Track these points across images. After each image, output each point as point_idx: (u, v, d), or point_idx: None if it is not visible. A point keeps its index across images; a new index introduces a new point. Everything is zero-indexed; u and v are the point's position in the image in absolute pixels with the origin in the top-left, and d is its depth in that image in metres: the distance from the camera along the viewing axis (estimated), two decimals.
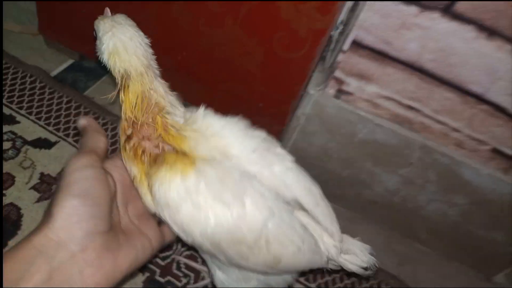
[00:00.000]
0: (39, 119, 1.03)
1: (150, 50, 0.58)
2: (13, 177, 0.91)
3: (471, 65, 0.75)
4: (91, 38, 0.62)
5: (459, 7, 0.70)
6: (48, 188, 0.91)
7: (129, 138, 0.56)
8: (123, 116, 0.57)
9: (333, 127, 0.93)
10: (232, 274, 0.63)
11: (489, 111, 0.80)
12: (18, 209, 0.86)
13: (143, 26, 1.00)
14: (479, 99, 0.79)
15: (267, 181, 0.56)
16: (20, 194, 0.88)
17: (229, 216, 0.51)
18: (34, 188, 0.90)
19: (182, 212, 0.52)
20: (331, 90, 0.90)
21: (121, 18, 0.57)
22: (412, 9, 0.73)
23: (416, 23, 0.74)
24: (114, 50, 0.55)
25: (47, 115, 1.04)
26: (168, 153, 0.54)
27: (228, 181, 0.52)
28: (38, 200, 0.89)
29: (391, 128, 0.88)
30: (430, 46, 0.76)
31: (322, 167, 1.02)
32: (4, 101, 1.03)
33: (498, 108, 0.79)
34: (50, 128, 1.02)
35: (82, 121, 0.55)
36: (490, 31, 0.71)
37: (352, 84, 0.87)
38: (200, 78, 1.08)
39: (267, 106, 1.04)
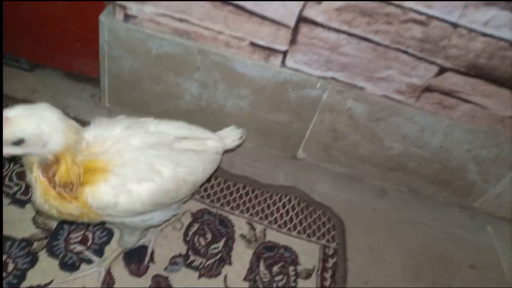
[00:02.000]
0: None
1: None
2: None
3: None
4: None
5: None
6: None
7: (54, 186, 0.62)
8: (43, 181, 0.61)
9: (131, 48, 1.06)
10: (135, 232, 0.82)
11: (233, 11, 0.97)
12: None
13: None
14: (223, 1, 0.95)
15: (153, 140, 0.72)
16: None
17: (154, 185, 0.69)
18: None
19: (120, 203, 0.66)
20: (119, 16, 1.02)
21: (32, 109, 0.57)
22: None
23: None
24: (65, 135, 0.58)
25: None
26: (84, 176, 0.63)
27: (137, 165, 0.68)
28: None
29: (173, 40, 1.03)
30: None
31: (140, 88, 1.15)
32: None
33: (238, 7, 0.96)
34: None
35: None
36: None
37: (133, 8, 1.00)
38: (23, 31, 1.14)
39: (84, 46, 1.14)
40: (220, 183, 1.11)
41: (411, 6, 0.90)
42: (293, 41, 1.00)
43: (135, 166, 0.68)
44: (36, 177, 0.61)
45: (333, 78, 1.06)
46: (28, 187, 0.94)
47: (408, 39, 0.96)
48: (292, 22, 0.97)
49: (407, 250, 1.12)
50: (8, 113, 0.55)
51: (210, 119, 1.19)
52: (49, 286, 0.81)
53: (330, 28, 0.96)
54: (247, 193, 1.11)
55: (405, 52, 0.98)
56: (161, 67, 1.08)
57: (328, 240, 1.06)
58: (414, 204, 1.26)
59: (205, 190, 1.08)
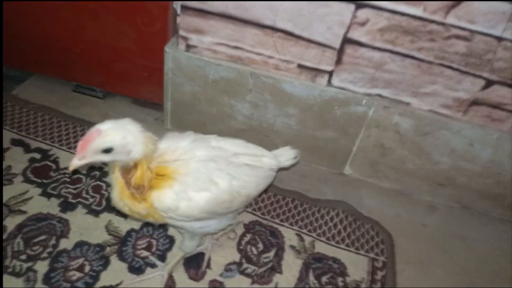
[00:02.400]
0: None
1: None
2: None
3: (258, 5, 1.00)
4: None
5: None
6: None
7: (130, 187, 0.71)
8: (123, 183, 0.70)
9: (191, 75, 1.16)
10: (195, 237, 0.88)
11: (282, 36, 1.04)
12: None
13: (46, 34, 1.16)
14: (273, 29, 1.03)
15: (214, 154, 0.79)
16: None
17: (211, 195, 0.75)
18: None
19: (181, 207, 0.73)
20: (181, 46, 1.12)
21: (119, 123, 0.67)
22: None
23: None
24: (145, 145, 0.67)
25: None
26: (154, 181, 0.72)
27: (198, 175, 0.75)
28: None
29: (228, 66, 1.11)
30: None
31: (197, 110, 1.24)
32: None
33: (287, 33, 1.03)
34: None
35: None
36: None
37: (193, 39, 1.10)
38: (98, 63, 1.28)
39: (150, 75, 1.26)
40: (270, 197, 1.15)
41: (453, 22, 0.92)
42: (338, 61, 1.05)
43: (197, 176, 0.75)
44: (116, 178, 0.69)
45: (379, 95, 1.09)
46: (101, 199, 1.04)
47: (452, 54, 0.97)
48: (337, 44, 1.02)
49: (460, 266, 1.08)
50: (100, 126, 0.64)
51: (260, 138, 1.25)
52: (119, 287, 0.88)
53: (374, 48, 1.00)
54: (296, 207, 1.14)
55: (449, 67, 0.99)
56: (217, 91, 1.17)
57: (376, 253, 1.06)
58: (466, 220, 1.22)
59: (256, 203, 1.13)
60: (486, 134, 1.08)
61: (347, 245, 1.07)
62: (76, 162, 0.64)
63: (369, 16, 0.96)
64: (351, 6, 0.95)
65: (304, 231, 1.08)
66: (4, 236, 0.92)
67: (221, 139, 0.85)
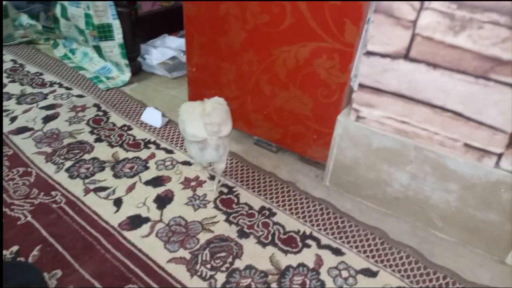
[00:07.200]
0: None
1: None
2: (170, 178, 1.46)
3: (430, 87, 1.11)
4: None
5: (412, 54, 1.10)
6: (188, 184, 1.44)
7: None
8: None
9: (357, 142, 1.31)
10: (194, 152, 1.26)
11: (452, 116, 1.12)
12: (172, 192, 1.39)
13: (244, 97, 1.54)
14: (443, 109, 1.12)
15: (206, 109, 1.21)
16: (173, 186, 1.42)
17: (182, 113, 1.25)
18: (181, 183, 1.44)
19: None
20: (352, 117, 1.30)
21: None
22: (387, 60, 1.15)
23: (391, 68, 1.15)
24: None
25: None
26: None
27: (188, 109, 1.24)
28: (183, 188, 1.41)
29: (393, 137, 1.23)
30: (403, 80, 1.15)
31: (356, 173, 1.37)
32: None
33: (457, 113, 1.11)
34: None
35: None
36: (434, 65, 1.08)
37: (364, 111, 1.27)
38: (278, 124, 1.56)
39: (319, 138, 1.47)
40: (420, 268, 1.16)
41: None
42: (509, 145, 1.06)
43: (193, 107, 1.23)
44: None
45: None
46: (268, 234, 1.23)
47: None
48: (510, 129, 1.04)
49: None
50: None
51: (414, 208, 1.29)
52: None
53: None
54: (447, 284, 1.12)
55: None
56: (378, 158, 1.29)
57: None
58: None
59: (405, 270, 1.15)
60: None
61: None
62: None
63: None
64: None
65: None
66: (197, 246, 1.18)
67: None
